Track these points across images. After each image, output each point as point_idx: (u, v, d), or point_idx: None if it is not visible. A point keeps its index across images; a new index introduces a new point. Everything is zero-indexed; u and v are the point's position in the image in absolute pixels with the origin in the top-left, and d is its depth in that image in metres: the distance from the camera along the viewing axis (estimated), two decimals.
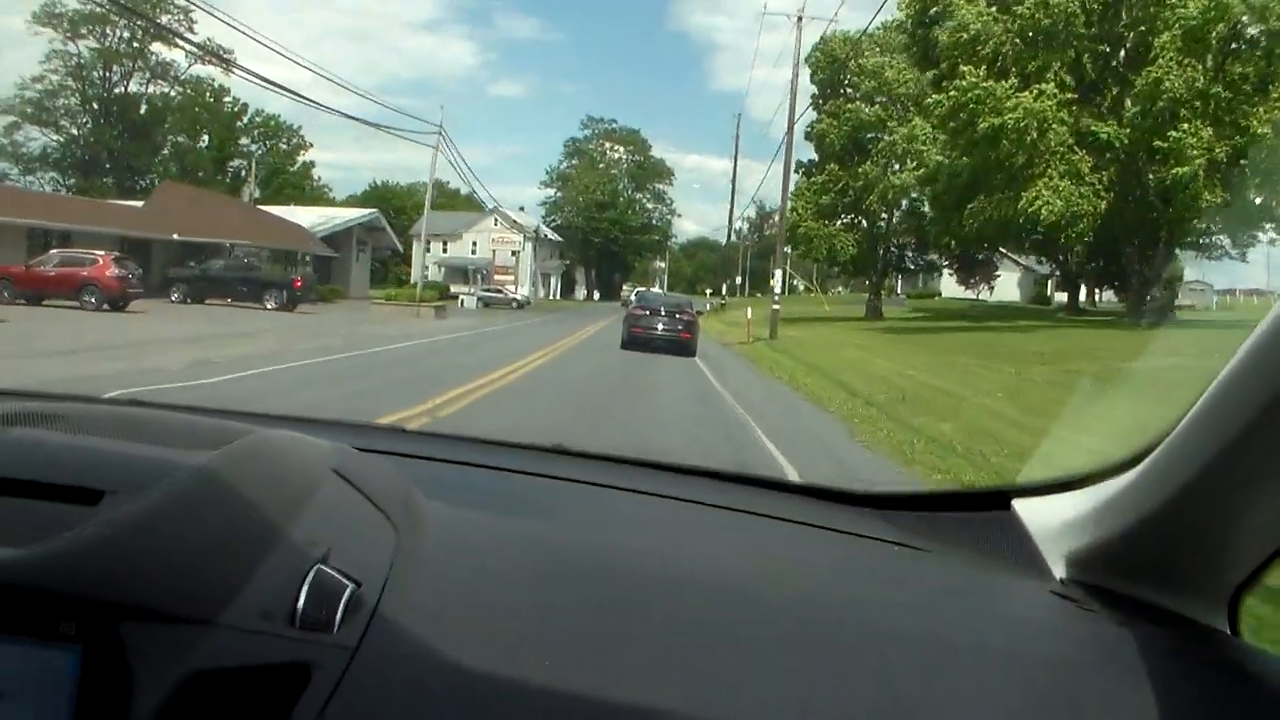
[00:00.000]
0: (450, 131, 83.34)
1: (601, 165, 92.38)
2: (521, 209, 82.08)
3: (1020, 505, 1.09)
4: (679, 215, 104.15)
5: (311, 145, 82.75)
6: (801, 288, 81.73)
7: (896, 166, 40.21)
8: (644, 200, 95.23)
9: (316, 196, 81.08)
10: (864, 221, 43.33)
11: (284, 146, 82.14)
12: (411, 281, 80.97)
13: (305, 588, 0.64)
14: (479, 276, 73.06)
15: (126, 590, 0.60)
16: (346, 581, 0.67)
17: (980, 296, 70.48)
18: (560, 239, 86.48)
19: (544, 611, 0.75)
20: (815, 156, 44.66)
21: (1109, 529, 0.89)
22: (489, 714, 0.63)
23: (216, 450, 0.74)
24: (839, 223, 41.66)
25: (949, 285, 72.40)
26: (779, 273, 26.91)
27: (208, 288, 31.35)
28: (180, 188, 46.95)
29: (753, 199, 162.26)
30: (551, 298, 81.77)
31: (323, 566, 0.67)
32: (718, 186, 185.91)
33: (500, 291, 64.49)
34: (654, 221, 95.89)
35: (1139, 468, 0.86)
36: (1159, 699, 0.73)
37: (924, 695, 0.72)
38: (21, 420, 0.81)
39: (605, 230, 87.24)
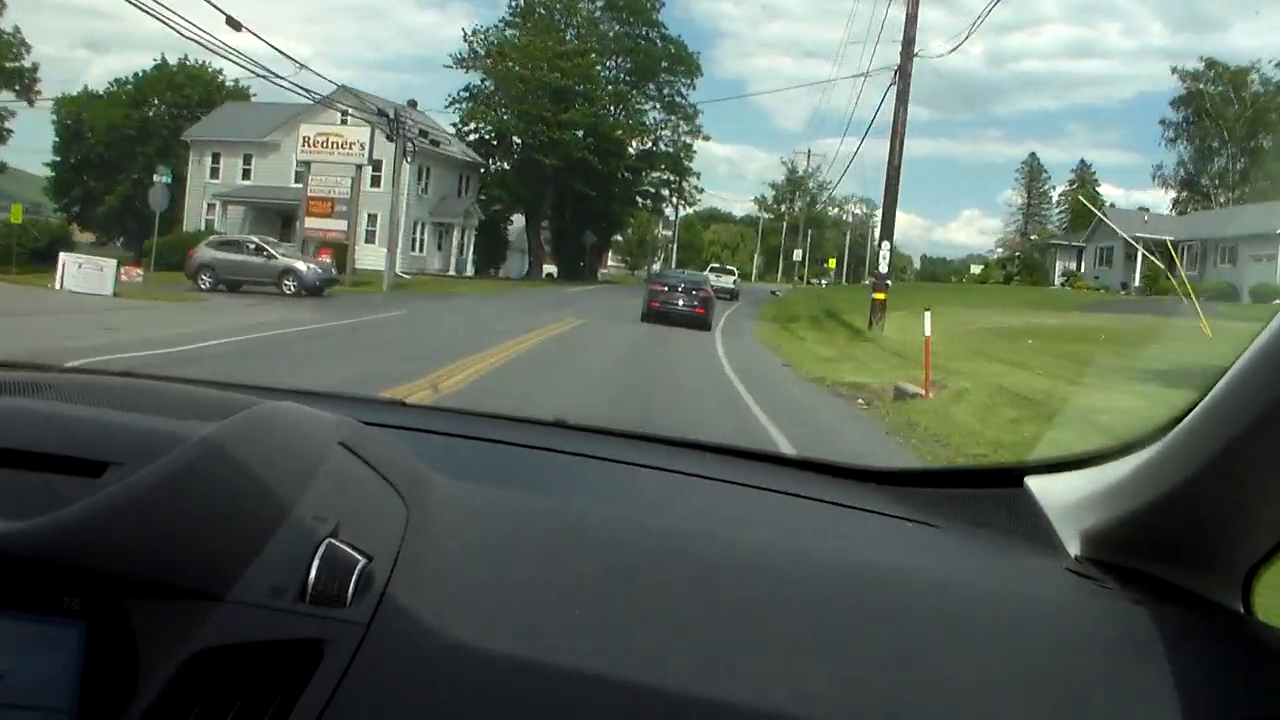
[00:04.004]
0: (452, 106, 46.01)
1: (568, 33, 47.73)
2: (412, 103, 42.10)
3: (1034, 482, 1.08)
4: (707, 139, 60.68)
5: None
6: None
7: None
8: (645, 106, 52.14)
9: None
10: None
11: None
12: (186, 229, 41.40)
13: (316, 562, 0.62)
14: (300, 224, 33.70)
15: (132, 564, 0.58)
16: (358, 555, 0.64)
17: None
18: (480, 160, 46.15)
19: (558, 587, 0.74)
20: None
21: (1124, 507, 0.90)
22: (507, 690, 0.62)
23: (222, 421, 0.72)
24: None
25: None
26: None
27: None
28: None
29: (782, 159, 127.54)
30: (454, 271, 41.81)
31: (333, 540, 0.65)
32: (718, 173, 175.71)
33: (264, 252, 25.03)
34: (662, 145, 53.78)
35: (1155, 446, 0.86)
36: (1174, 676, 0.73)
37: (940, 671, 0.71)
38: (21, 390, 0.80)
39: (567, 146, 44.15)
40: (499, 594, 0.71)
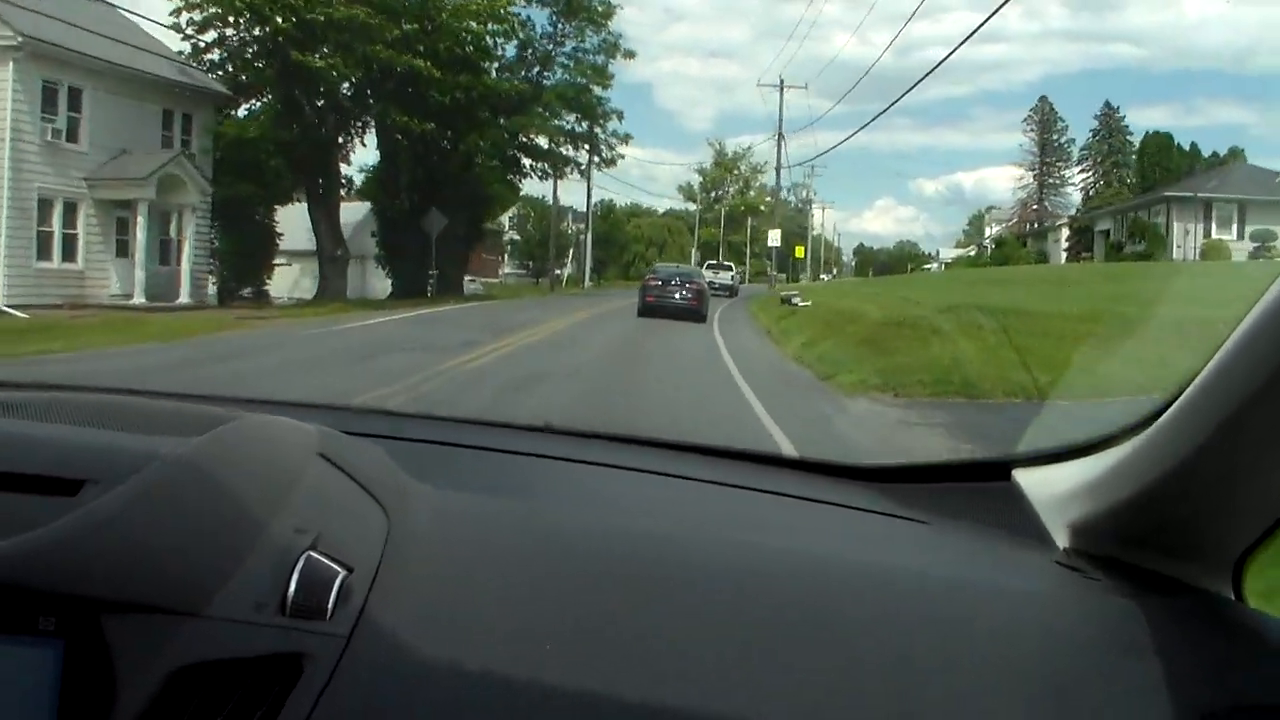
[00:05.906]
0: None
1: None
2: None
3: (1021, 475, 1.08)
4: (631, 56, 35.86)
5: None
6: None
7: None
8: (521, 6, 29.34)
9: None
10: None
11: None
12: None
13: (295, 575, 0.62)
14: None
15: (109, 583, 0.59)
16: (338, 568, 0.65)
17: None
18: (221, 88, 24.46)
19: (542, 596, 0.74)
20: None
21: (1112, 497, 0.89)
22: (488, 701, 0.62)
23: (199, 436, 0.72)
24: None
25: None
26: None
27: None
28: None
29: (709, 141, 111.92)
30: (144, 297, 20.09)
31: (312, 553, 0.65)
32: (630, 176, 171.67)
33: None
34: (557, 73, 32.84)
35: (1142, 435, 0.86)
36: (1166, 665, 0.74)
37: (930, 669, 0.71)
38: None
39: (365, 39, 22.77)
40: (482, 604, 0.70)
